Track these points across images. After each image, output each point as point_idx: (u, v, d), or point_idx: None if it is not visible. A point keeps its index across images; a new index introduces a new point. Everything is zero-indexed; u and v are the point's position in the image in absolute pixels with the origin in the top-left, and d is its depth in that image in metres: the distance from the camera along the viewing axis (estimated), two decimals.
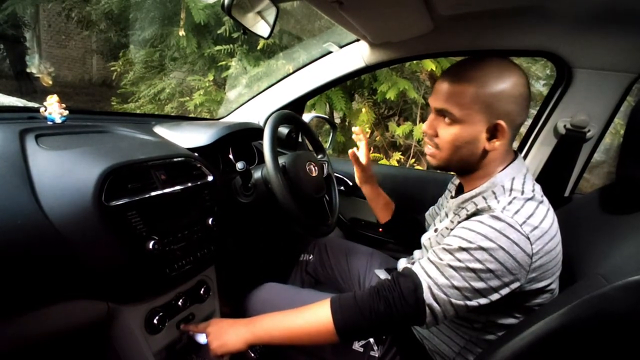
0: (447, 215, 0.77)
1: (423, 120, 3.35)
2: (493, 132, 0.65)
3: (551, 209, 0.63)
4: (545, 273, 0.61)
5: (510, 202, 0.61)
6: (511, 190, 0.64)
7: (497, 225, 0.58)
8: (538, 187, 0.66)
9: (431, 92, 0.71)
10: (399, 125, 3.23)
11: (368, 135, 3.42)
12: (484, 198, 0.66)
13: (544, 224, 0.59)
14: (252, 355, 0.85)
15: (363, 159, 1.03)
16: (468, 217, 0.65)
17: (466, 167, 0.70)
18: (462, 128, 0.65)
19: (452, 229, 0.67)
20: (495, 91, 0.62)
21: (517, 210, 0.59)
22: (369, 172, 1.05)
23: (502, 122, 0.63)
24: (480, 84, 0.62)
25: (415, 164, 3.39)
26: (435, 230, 0.77)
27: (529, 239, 0.57)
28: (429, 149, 0.72)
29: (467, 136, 0.65)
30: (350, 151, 1.02)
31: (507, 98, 0.62)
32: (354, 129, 1.05)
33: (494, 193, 0.65)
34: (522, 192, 0.63)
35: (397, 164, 3.18)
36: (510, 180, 0.66)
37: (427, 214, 0.97)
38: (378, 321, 0.62)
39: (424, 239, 0.81)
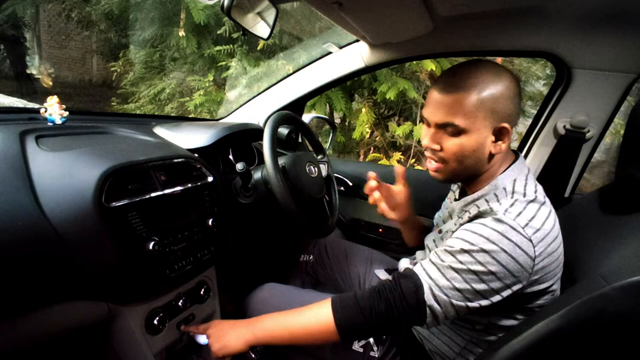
0: (450, 217, 0.77)
1: (423, 120, 3.35)
2: (497, 136, 0.65)
3: (553, 210, 0.63)
4: (547, 275, 0.61)
5: (512, 205, 0.61)
6: (513, 192, 0.64)
7: (500, 228, 0.58)
8: (540, 188, 0.66)
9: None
10: (399, 125, 3.24)
11: (368, 135, 3.43)
12: (486, 200, 0.66)
13: (546, 226, 0.59)
14: (253, 356, 0.85)
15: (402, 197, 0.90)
16: (470, 220, 0.65)
17: (472, 174, 0.69)
18: (469, 137, 0.63)
19: (454, 231, 0.67)
20: (497, 94, 0.62)
21: (519, 212, 0.59)
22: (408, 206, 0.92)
23: (506, 125, 0.63)
24: (481, 89, 0.61)
25: (415, 164, 3.39)
26: (440, 232, 0.77)
27: (531, 241, 0.57)
28: (432, 164, 0.70)
29: (474, 144, 0.64)
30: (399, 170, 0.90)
31: (507, 99, 0.62)
32: (369, 174, 0.87)
33: (496, 195, 0.65)
34: (524, 195, 0.63)
35: (397, 164, 3.18)
36: (512, 182, 0.65)
37: (434, 219, 0.96)
38: (379, 321, 0.63)
39: (428, 240, 0.81)
